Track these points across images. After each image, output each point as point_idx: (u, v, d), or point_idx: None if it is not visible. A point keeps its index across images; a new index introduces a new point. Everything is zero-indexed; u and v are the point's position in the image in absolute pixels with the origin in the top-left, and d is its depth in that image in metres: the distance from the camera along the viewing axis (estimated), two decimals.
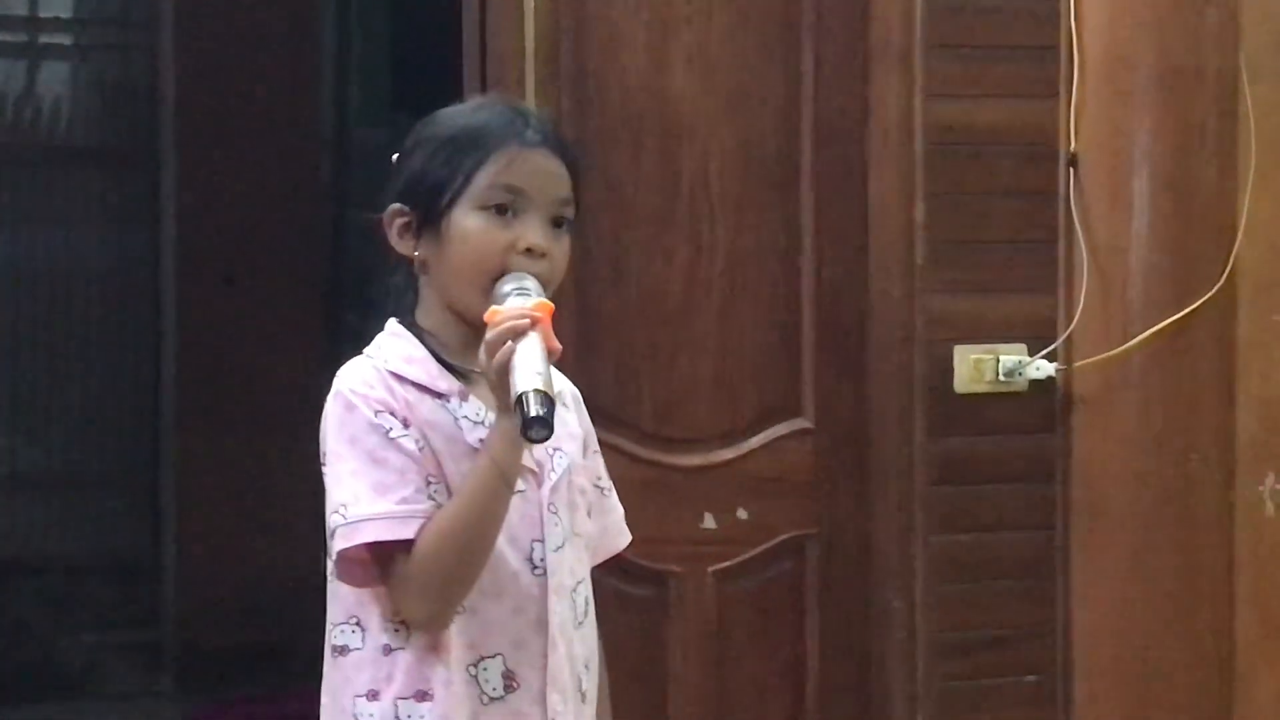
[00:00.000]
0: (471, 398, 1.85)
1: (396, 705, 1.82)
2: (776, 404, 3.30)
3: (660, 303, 3.22)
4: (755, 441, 3.28)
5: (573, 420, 1.95)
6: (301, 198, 6.08)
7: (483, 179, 1.83)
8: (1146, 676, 3.30)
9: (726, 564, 3.26)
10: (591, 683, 1.94)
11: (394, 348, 1.87)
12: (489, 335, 1.74)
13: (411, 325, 1.89)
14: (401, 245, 1.89)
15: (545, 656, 1.85)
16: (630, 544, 2.11)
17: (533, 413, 1.66)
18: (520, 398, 1.69)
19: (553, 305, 1.78)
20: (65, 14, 6.25)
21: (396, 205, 1.88)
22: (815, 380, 3.32)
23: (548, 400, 1.69)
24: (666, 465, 3.21)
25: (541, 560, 1.86)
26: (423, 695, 1.82)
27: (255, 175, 6.07)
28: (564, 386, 1.92)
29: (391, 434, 1.81)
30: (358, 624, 1.85)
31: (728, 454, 3.26)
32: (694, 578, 3.24)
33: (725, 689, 3.26)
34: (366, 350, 1.89)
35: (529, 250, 1.81)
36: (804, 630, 3.32)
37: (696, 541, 3.24)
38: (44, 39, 6.24)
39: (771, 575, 3.31)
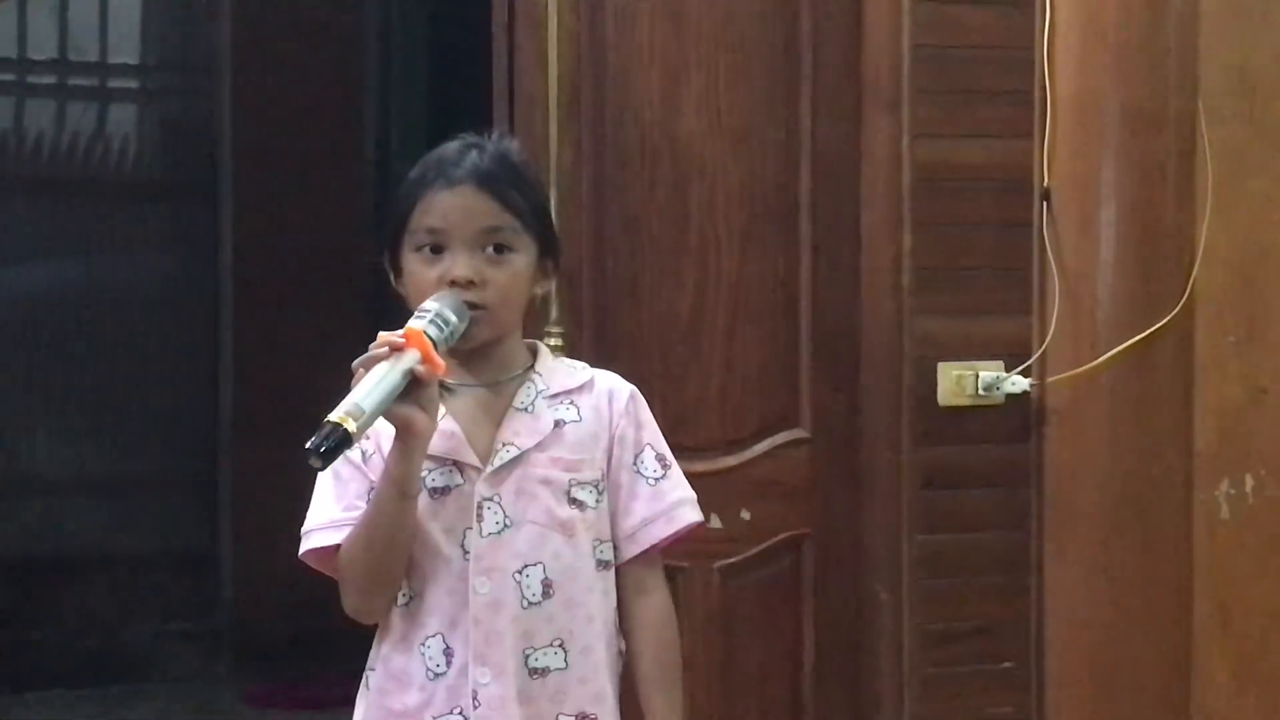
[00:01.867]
0: (442, 408, 1.84)
1: (368, 676, 1.95)
2: (776, 415, 3.31)
3: (671, 324, 3.23)
4: (757, 449, 3.29)
5: (546, 417, 1.91)
6: (347, 226, 6.12)
7: (412, 223, 1.87)
8: (1111, 664, 3.29)
9: (731, 560, 3.26)
10: (553, 658, 1.89)
11: None
12: (355, 361, 1.76)
13: None
14: (396, 285, 1.94)
15: (467, 631, 1.86)
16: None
17: (309, 442, 1.63)
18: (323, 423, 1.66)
19: (418, 329, 1.75)
20: (132, 60, 6.27)
21: (387, 251, 1.94)
22: (811, 394, 3.33)
23: (334, 434, 1.64)
24: None
25: (467, 546, 1.86)
26: (384, 669, 1.92)
27: (305, 206, 6.17)
28: (571, 378, 1.95)
29: (352, 460, 1.86)
30: None
31: (732, 461, 3.26)
32: (701, 573, 3.23)
33: (729, 674, 3.26)
34: None
35: (454, 283, 1.83)
36: (800, 621, 3.34)
37: (703, 540, 3.07)
38: (113, 83, 6.26)
39: (771, 571, 3.31)
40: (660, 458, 2.00)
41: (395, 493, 1.79)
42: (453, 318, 1.77)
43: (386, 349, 1.72)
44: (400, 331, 1.75)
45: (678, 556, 3.04)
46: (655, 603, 1.99)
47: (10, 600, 6.02)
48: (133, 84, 6.33)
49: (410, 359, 1.71)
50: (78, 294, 6.20)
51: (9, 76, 6.14)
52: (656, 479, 1.98)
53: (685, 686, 3.10)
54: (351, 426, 1.64)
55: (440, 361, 1.75)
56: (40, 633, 6.00)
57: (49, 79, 6.20)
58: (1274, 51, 3.57)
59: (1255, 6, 3.54)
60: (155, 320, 6.30)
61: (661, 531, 1.97)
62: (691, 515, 2.00)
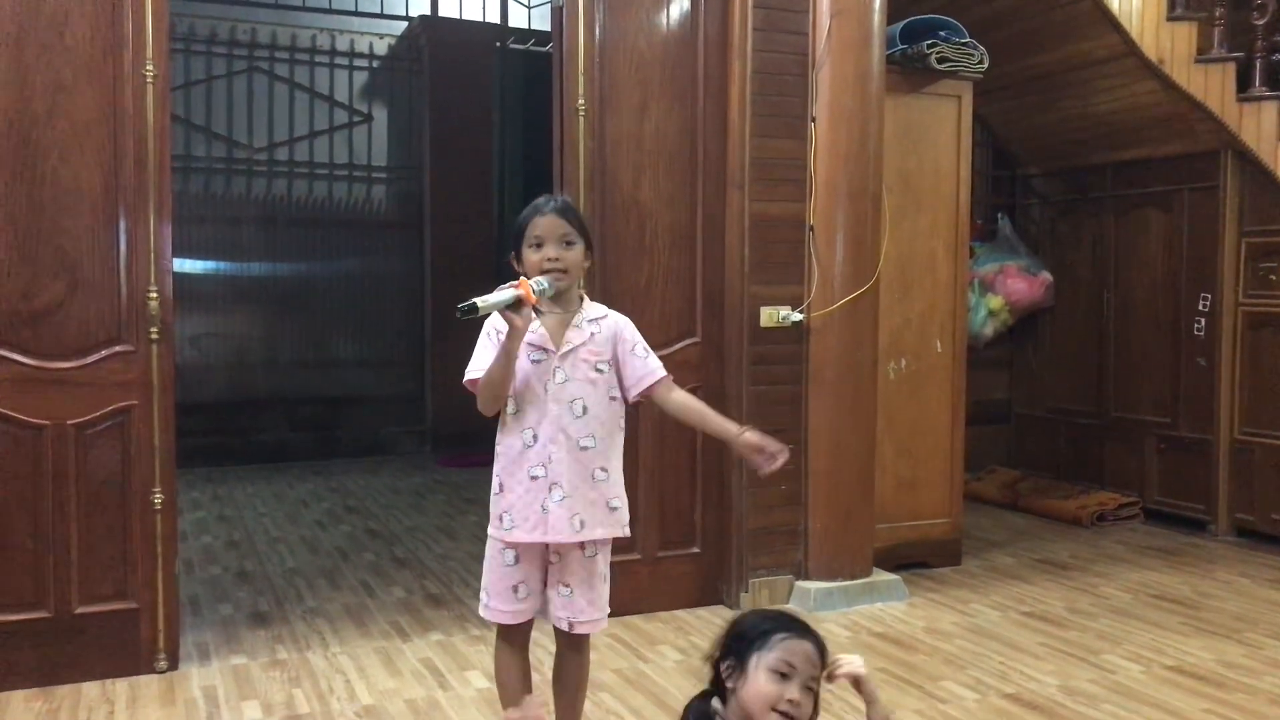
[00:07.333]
0: (538, 320, 1.80)
1: (501, 443, 1.81)
2: (686, 331, 3.24)
3: (637, 288, 3.16)
4: (678, 346, 3.22)
5: (586, 331, 1.80)
6: (483, 242, 5.99)
7: (529, 233, 1.79)
8: (839, 443, 3.29)
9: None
10: (589, 442, 1.79)
11: None
12: (501, 287, 1.71)
13: None
14: (517, 267, 1.84)
15: (547, 427, 1.78)
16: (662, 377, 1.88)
17: (460, 306, 1.61)
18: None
19: (528, 282, 1.69)
20: (383, 163, 6.08)
21: (513, 252, 1.84)
22: (703, 322, 3.25)
23: (470, 306, 1.61)
24: None
25: (548, 388, 1.78)
26: (505, 443, 1.81)
27: (464, 233, 6.02)
28: (598, 313, 1.82)
29: (493, 338, 1.78)
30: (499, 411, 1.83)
31: (668, 352, 3.16)
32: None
33: (664, 438, 3.18)
34: None
35: (549, 259, 1.77)
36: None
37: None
38: (374, 175, 6.08)
39: None
40: (646, 348, 1.89)
41: (505, 357, 1.72)
42: (545, 282, 1.74)
43: (513, 286, 1.68)
44: (519, 281, 1.71)
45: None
46: (677, 392, 1.90)
47: (327, 415, 6.01)
48: (383, 175, 6.09)
49: (513, 292, 1.67)
50: (360, 274, 6.05)
51: (324, 172, 5.93)
52: (644, 357, 1.88)
53: (645, 447, 3.16)
54: (478, 305, 1.63)
55: (533, 298, 1.68)
56: (340, 431, 6.03)
57: (344, 173, 6.00)
58: (915, 163, 3.58)
59: (908, 143, 3.53)
60: (395, 287, 6.15)
61: (652, 379, 1.88)
62: (661, 372, 1.90)
